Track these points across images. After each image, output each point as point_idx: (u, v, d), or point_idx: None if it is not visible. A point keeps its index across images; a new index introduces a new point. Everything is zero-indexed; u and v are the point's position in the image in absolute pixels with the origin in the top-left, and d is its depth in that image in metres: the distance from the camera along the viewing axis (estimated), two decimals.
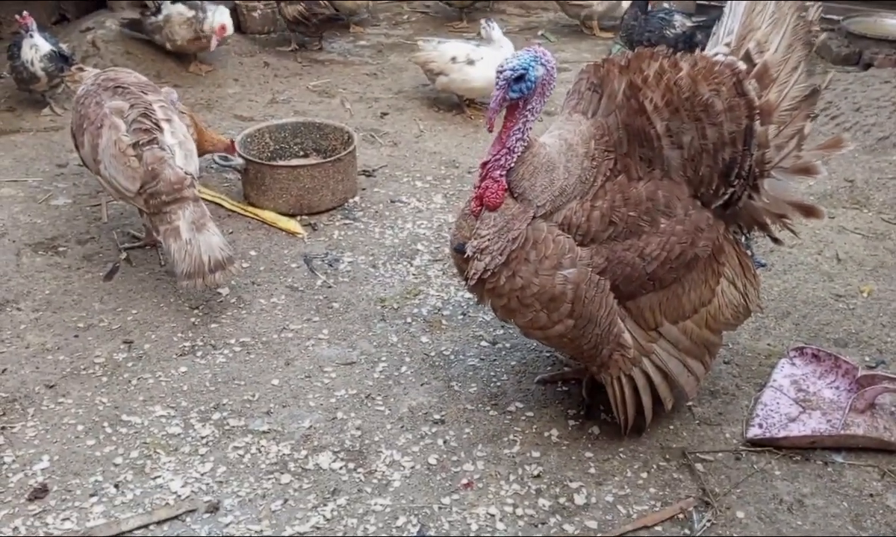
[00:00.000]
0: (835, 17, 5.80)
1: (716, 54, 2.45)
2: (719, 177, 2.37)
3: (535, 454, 2.58)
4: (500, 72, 2.20)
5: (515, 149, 2.29)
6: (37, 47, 4.66)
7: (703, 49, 5.91)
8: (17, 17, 4.78)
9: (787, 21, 2.43)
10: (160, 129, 3.28)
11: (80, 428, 2.69)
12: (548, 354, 3.00)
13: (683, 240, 2.36)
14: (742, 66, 2.36)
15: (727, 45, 2.47)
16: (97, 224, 3.85)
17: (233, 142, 4.02)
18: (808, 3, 2.45)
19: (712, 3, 6.21)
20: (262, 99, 5.31)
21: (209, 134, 4.02)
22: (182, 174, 3.22)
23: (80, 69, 3.95)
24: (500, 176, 2.31)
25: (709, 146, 2.32)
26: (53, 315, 3.24)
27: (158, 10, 5.32)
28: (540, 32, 6.48)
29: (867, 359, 2.96)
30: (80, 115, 3.41)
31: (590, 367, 2.55)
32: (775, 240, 2.64)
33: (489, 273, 2.32)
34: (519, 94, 2.23)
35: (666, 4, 5.66)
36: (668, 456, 2.57)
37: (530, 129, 2.31)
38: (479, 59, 4.85)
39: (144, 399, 2.82)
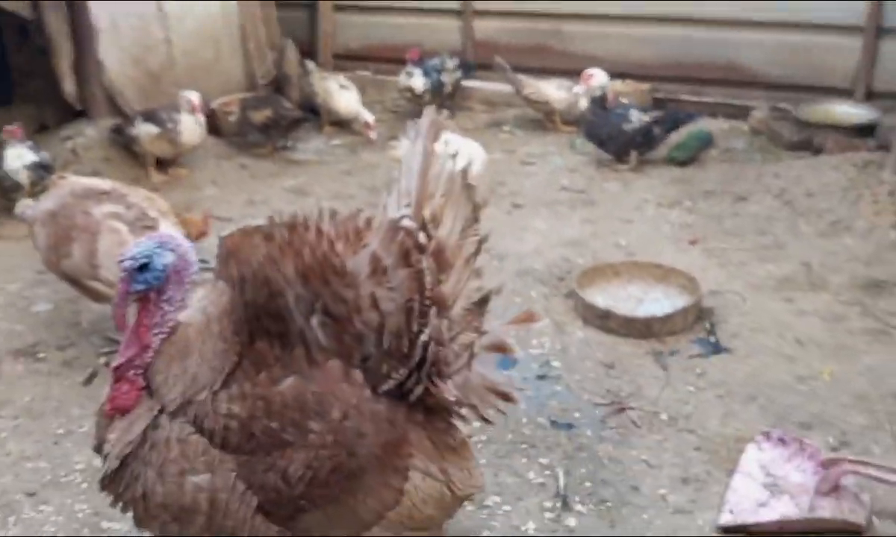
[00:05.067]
0: (786, 106, 6.10)
1: (402, 217, 2.08)
2: (377, 351, 2.02)
3: None
4: (121, 261, 2.02)
5: (154, 346, 2.05)
6: (21, 157, 4.79)
7: (649, 144, 5.86)
8: (7, 128, 4.93)
9: (461, 200, 2.17)
10: (159, 226, 3.48)
11: (60, 536, 2.70)
12: (523, 445, 3.06)
13: (336, 452, 1.98)
14: (423, 237, 2.06)
15: (407, 206, 2.11)
16: (76, 329, 3.91)
17: (206, 217, 4.28)
18: (473, 184, 2.21)
19: (668, 97, 6.52)
20: (240, 200, 5.45)
21: (189, 219, 4.18)
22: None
23: (61, 177, 4.07)
24: (136, 375, 2.04)
25: (341, 310, 2.00)
26: (33, 422, 3.27)
27: (133, 123, 5.51)
28: (505, 127, 6.72)
29: (831, 440, 3.05)
30: (64, 227, 3.52)
31: None
32: (483, 420, 2.24)
33: (109, 480, 2.05)
34: (145, 285, 2.02)
35: (623, 100, 5.92)
36: None
37: (171, 321, 2.06)
38: (457, 151, 5.06)
39: None
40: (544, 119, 6.64)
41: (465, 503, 2.74)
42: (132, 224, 3.47)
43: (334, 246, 2.04)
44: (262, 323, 2.02)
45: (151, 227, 3.46)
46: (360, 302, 2.01)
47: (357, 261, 2.03)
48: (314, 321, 2.00)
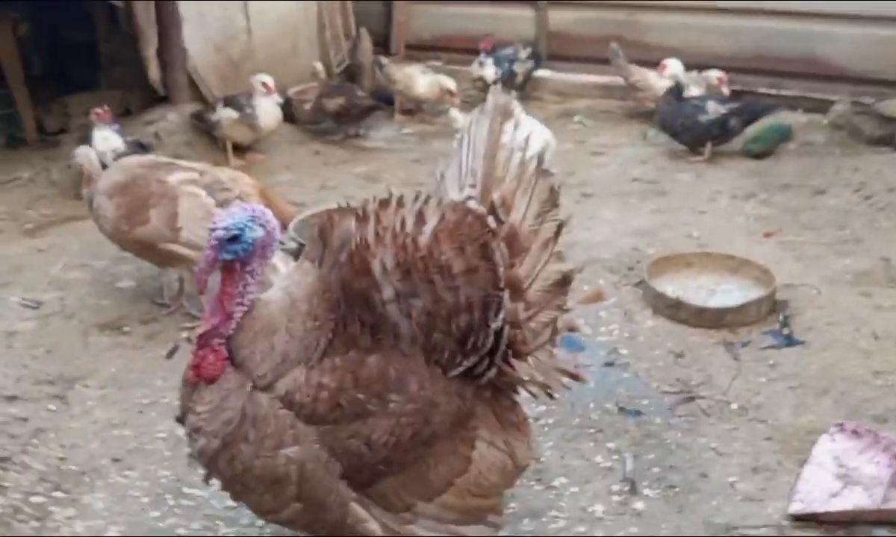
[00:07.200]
0: (867, 100, 5.93)
1: (468, 199, 2.19)
2: (456, 346, 2.11)
3: (581, 529, 2.65)
4: (213, 230, 2.03)
5: (236, 316, 2.07)
6: (108, 140, 5.01)
7: (725, 136, 5.72)
8: (96, 111, 5.15)
9: (533, 185, 2.18)
10: (234, 191, 3.71)
11: (144, 500, 2.83)
12: (590, 430, 3.09)
13: (415, 420, 2.09)
14: (492, 222, 2.11)
15: (472, 186, 2.21)
16: (159, 305, 4.06)
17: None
18: (551, 171, 2.23)
19: (746, 89, 6.40)
20: (313, 185, 5.58)
21: (279, 203, 4.20)
22: None
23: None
24: (220, 345, 2.07)
25: (442, 312, 2.07)
26: (119, 392, 3.43)
27: (214, 109, 5.70)
28: (576, 118, 6.70)
29: None
30: (138, 197, 3.72)
31: None
32: (550, 396, 2.30)
33: (206, 457, 2.10)
34: (233, 256, 2.03)
35: (696, 91, 5.84)
36: (711, 532, 2.62)
37: (251, 292, 2.09)
38: (530, 135, 5.10)
39: None
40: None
41: (531, 480, 2.80)
42: (209, 187, 3.68)
43: (440, 240, 2.06)
44: (354, 308, 2.08)
45: (227, 190, 3.66)
46: (459, 305, 2.08)
47: (451, 255, 2.06)
48: (413, 319, 2.07)
